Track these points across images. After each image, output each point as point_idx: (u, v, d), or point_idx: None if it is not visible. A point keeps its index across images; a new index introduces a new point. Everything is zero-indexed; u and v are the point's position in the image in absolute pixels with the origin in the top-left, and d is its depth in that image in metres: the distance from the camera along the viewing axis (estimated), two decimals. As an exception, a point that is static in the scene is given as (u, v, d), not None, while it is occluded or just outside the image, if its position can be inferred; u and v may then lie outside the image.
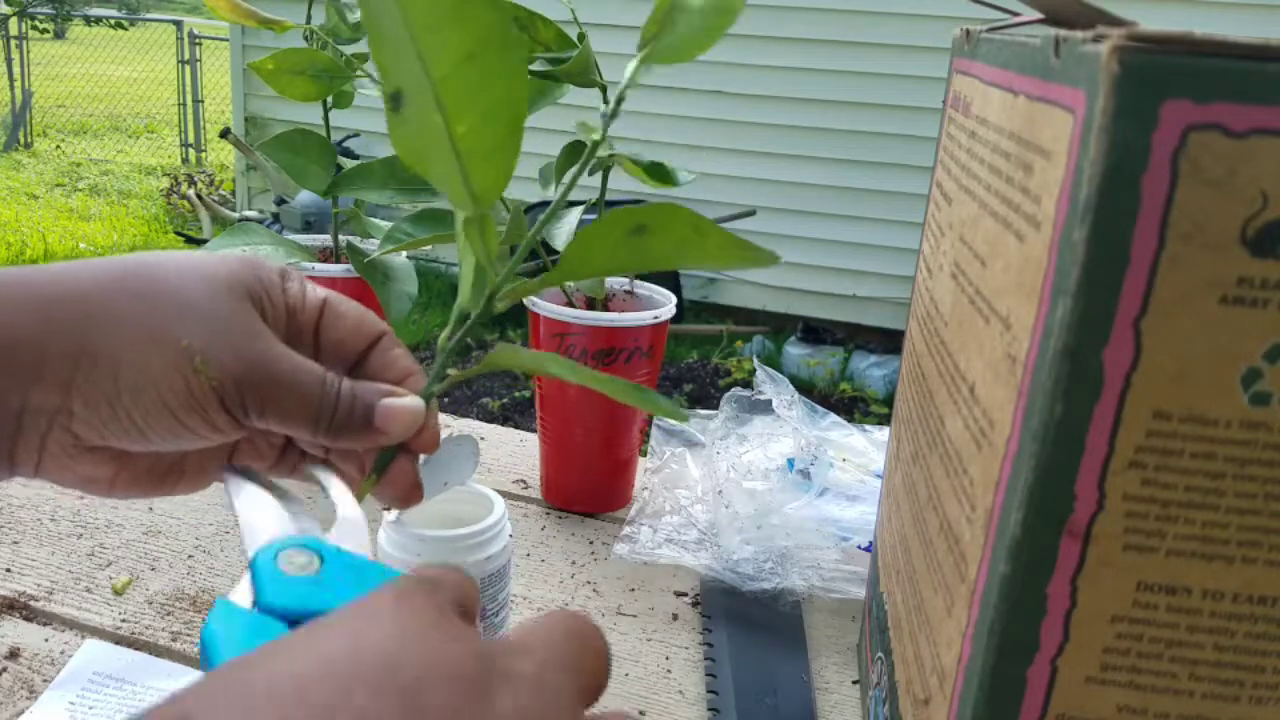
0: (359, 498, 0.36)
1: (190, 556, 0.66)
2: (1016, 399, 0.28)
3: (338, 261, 0.75)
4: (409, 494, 0.38)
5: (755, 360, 0.82)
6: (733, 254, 0.30)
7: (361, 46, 0.68)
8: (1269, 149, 0.22)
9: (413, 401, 0.36)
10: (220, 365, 0.33)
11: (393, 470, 0.37)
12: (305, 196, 3.18)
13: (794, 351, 3.35)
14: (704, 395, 3.00)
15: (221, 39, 6.04)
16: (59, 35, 13.94)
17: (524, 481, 0.79)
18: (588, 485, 0.75)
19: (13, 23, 7.21)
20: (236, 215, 4.42)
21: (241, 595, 0.28)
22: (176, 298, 0.33)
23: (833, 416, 0.78)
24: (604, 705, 0.57)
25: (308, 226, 3.31)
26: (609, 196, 0.73)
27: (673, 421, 0.82)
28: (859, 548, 0.66)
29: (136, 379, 0.32)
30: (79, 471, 0.35)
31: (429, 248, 0.65)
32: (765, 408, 0.76)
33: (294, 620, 0.26)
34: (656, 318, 0.69)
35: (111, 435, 0.33)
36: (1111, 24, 0.24)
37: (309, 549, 0.29)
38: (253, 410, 0.34)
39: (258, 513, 0.32)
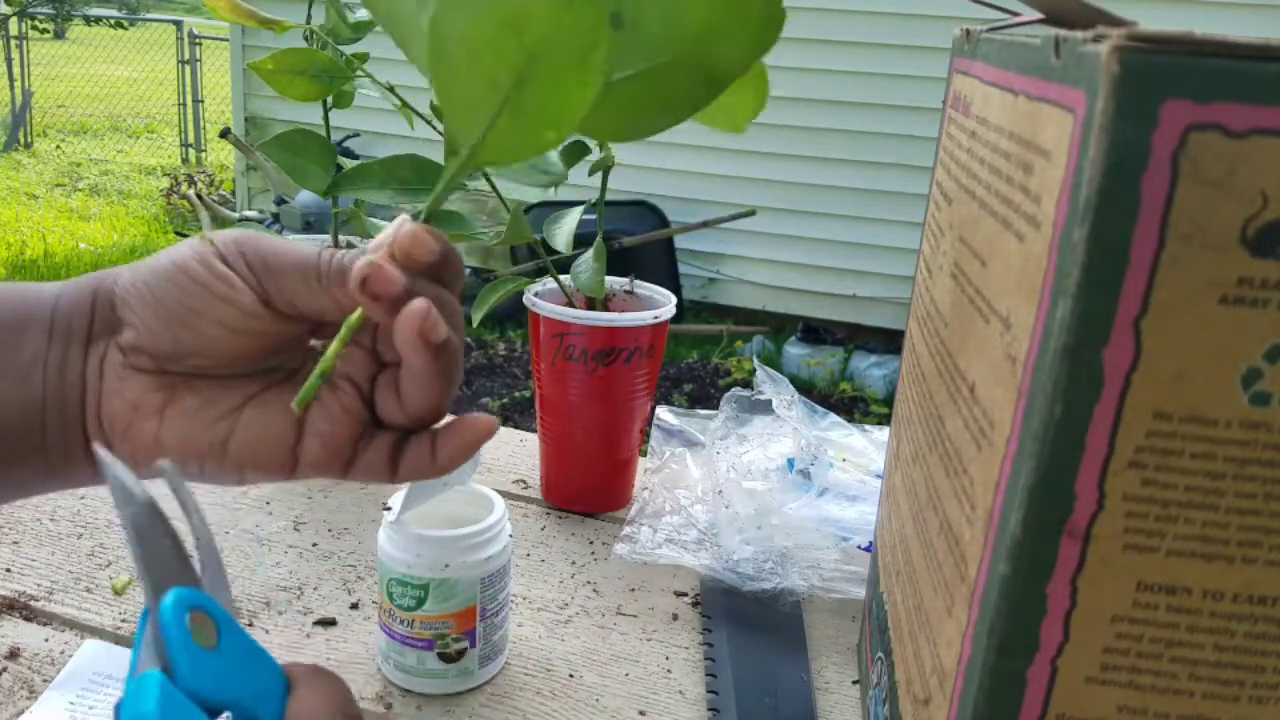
0: (351, 324, 0.35)
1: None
2: (1016, 399, 0.28)
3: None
4: (425, 323, 0.33)
5: (755, 360, 0.82)
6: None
7: (361, 46, 0.68)
8: (1269, 149, 0.22)
9: (394, 225, 0.36)
10: (223, 241, 0.36)
11: (407, 309, 0.33)
12: (305, 196, 3.18)
13: (794, 351, 3.35)
14: (704, 395, 3.00)
15: (221, 39, 6.04)
16: (59, 35, 13.94)
17: (524, 481, 0.79)
18: (588, 485, 0.75)
19: (13, 23, 7.21)
20: (236, 215, 4.42)
21: (150, 654, 0.27)
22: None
23: (833, 416, 0.78)
24: (605, 705, 0.57)
25: (308, 226, 3.31)
26: (609, 197, 0.73)
27: (672, 420, 0.82)
28: (859, 548, 0.66)
29: (156, 264, 0.36)
30: (128, 396, 0.36)
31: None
32: (765, 408, 0.76)
33: (206, 707, 0.27)
34: (656, 318, 0.69)
35: (140, 318, 0.35)
36: (1111, 24, 0.24)
37: (209, 613, 0.28)
38: (253, 261, 0.35)
39: (164, 547, 0.30)
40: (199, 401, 0.37)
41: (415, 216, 0.35)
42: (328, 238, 0.78)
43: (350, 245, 0.75)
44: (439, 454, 0.37)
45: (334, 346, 0.35)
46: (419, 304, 0.33)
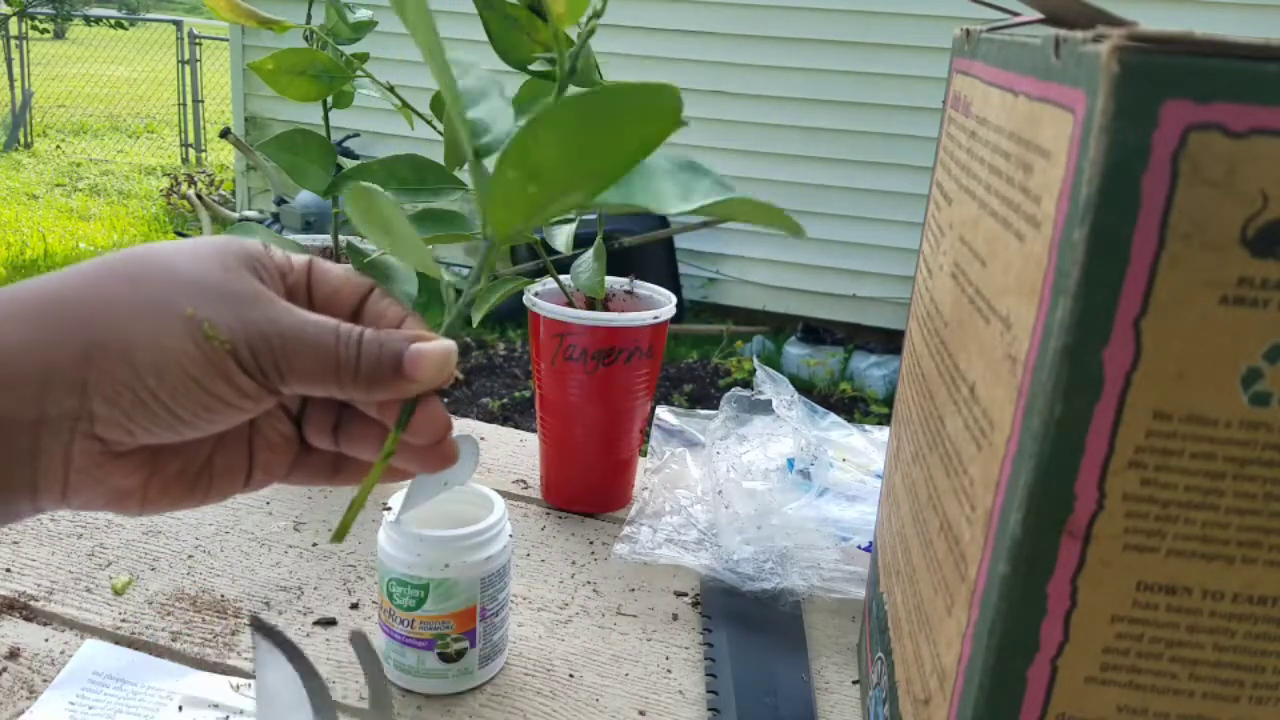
0: (386, 454, 0.35)
1: (190, 556, 0.66)
2: (1016, 399, 0.28)
3: (338, 261, 0.75)
4: (442, 433, 0.36)
5: (755, 360, 0.82)
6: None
7: (361, 46, 0.68)
8: (1269, 149, 0.22)
9: (442, 344, 0.35)
10: (228, 329, 0.32)
11: (422, 414, 0.35)
12: (305, 196, 3.18)
13: (794, 351, 3.35)
14: (704, 395, 3.00)
15: (221, 39, 6.04)
16: (59, 35, 13.94)
17: (524, 481, 0.79)
18: (588, 485, 0.75)
19: (13, 23, 7.21)
20: (236, 215, 4.42)
21: None
22: (172, 275, 0.33)
23: (833, 416, 0.78)
24: (605, 705, 0.57)
25: (308, 226, 3.31)
26: (609, 196, 0.73)
27: (672, 420, 0.82)
28: (859, 548, 0.66)
29: (154, 357, 0.31)
30: (110, 484, 0.33)
31: (429, 248, 0.65)
32: (765, 408, 0.76)
33: None
34: (656, 318, 0.69)
35: (139, 424, 0.32)
36: (1111, 24, 0.24)
37: None
38: (269, 370, 0.33)
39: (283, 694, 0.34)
40: (180, 465, 0.35)
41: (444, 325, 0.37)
42: (327, 238, 0.78)
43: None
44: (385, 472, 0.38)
45: (371, 477, 0.36)
46: (453, 447, 0.37)
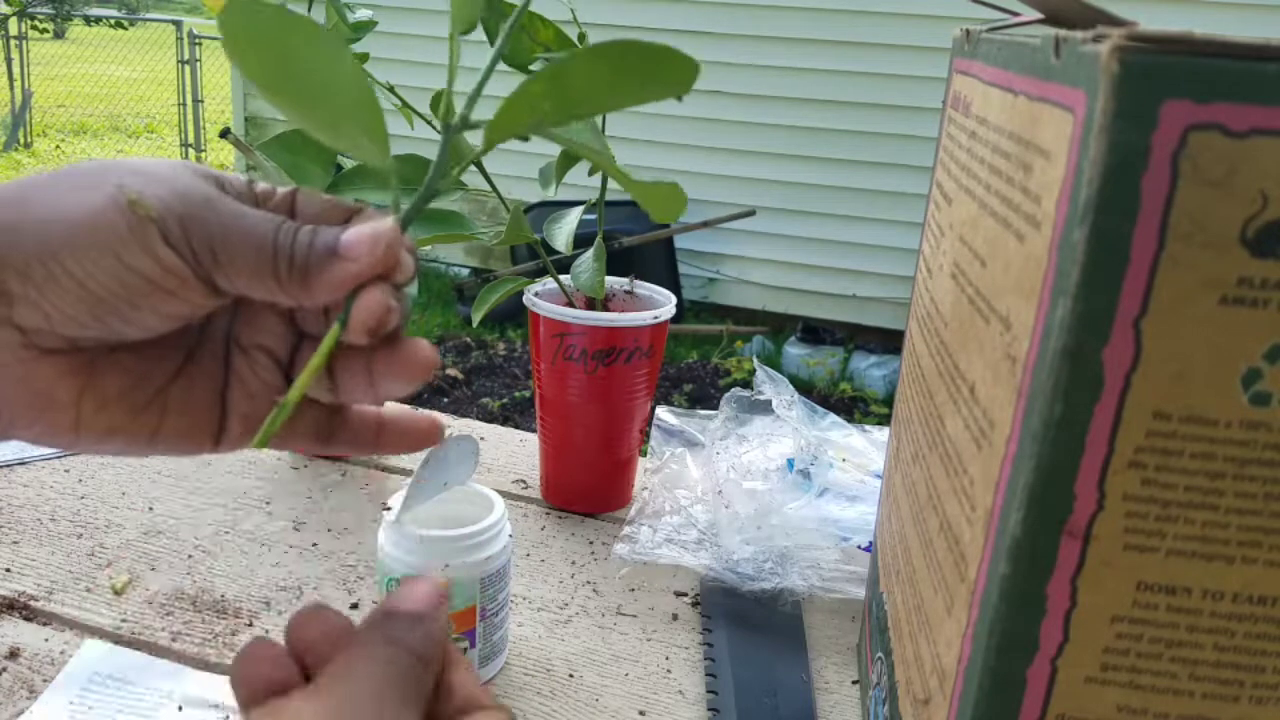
0: (326, 348, 0.31)
1: (190, 556, 0.66)
2: (1016, 399, 0.28)
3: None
4: (380, 319, 0.31)
5: (755, 360, 0.82)
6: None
7: (361, 46, 0.68)
8: (1269, 149, 0.22)
9: (372, 225, 0.31)
10: (159, 199, 0.29)
11: (361, 302, 0.31)
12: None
13: (794, 351, 3.35)
14: (704, 395, 3.00)
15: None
16: (59, 35, 13.94)
17: (524, 481, 0.79)
18: (588, 485, 0.75)
19: (13, 23, 7.21)
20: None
21: None
22: (118, 162, 0.30)
23: (833, 416, 0.78)
24: (605, 705, 0.57)
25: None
26: (609, 197, 0.73)
27: (672, 420, 0.82)
28: (859, 548, 0.66)
29: (71, 228, 0.28)
30: (34, 386, 0.30)
31: (429, 248, 0.65)
32: (765, 408, 0.76)
33: None
34: (656, 318, 0.69)
35: (52, 302, 0.29)
36: (1111, 24, 0.24)
37: None
38: (201, 250, 0.29)
39: None
40: (122, 382, 0.32)
41: (402, 217, 0.32)
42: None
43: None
44: (383, 441, 0.36)
45: (303, 379, 0.31)
46: (428, 352, 0.32)
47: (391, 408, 0.37)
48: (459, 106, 0.33)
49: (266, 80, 0.29)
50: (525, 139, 0.31)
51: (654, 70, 0.28)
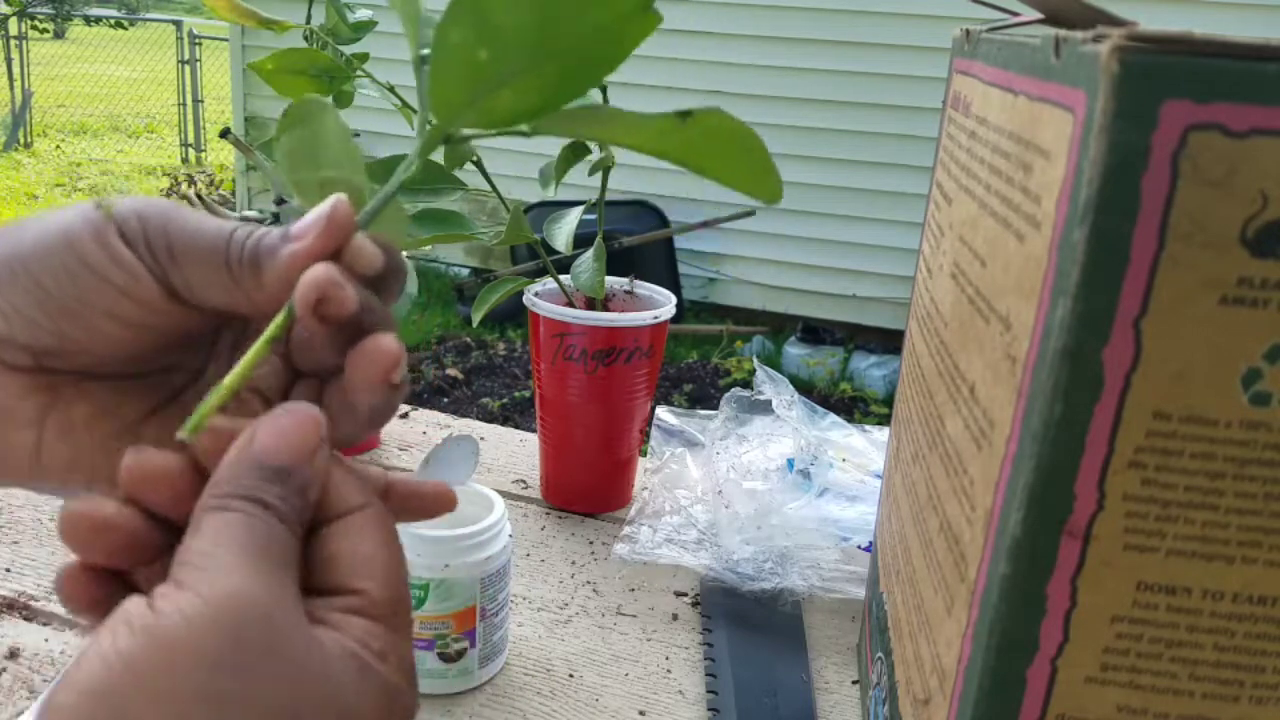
0: (269, 337, 0.28)
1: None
2: (1016, 399, 0.28)
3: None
4: (327, 294, 0.27)
5: (755, 360, 0.82)
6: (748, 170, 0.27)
7: (361, 46, 0.68)
8: (1269, 149, 0.22)
9: (329, 203, 0.29)
10: (126, 205, 0.29)
11: (306, 275, 0.28)
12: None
13: (794, 351, 3.35)
14: (704, 395, 3.00)
15: (221, 39, 6.03)
16: (59, 35, 13.94)
17: (524, 481, 0.79)
18: (588, 485, 0.75)
19: (13, 23, 7.21)
20: (236, 215, 4.42)
21: None
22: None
23: (832, 416, 0.78)
24: (605, 705, 0.57)
25: (308, 226, 3.30)
26: (609, 197, 0.73)
27: (672, 420, 0.82)
28: (859, 548, 0.66)
29: (40, 234, 0.28)
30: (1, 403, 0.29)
31: (429, 248, 0.65)
32: (765, 408, 0.76)
33: None
34: (656, 318, 0.69)
35: (9, 300, 0.28)
36: (1111, 24, 0.24)
37: None
38: (156, 243, 0.28)
39: None
40: (90, 410, 0.30)
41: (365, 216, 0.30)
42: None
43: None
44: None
45: (240, 369, 0.28)
46: (390, 344, 0.28)
47: (399, 475, 0.34)
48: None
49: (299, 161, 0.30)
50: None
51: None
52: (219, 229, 0.29)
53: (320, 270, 0.27)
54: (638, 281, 0.75)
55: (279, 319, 0.28)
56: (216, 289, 0.29)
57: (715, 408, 0.79)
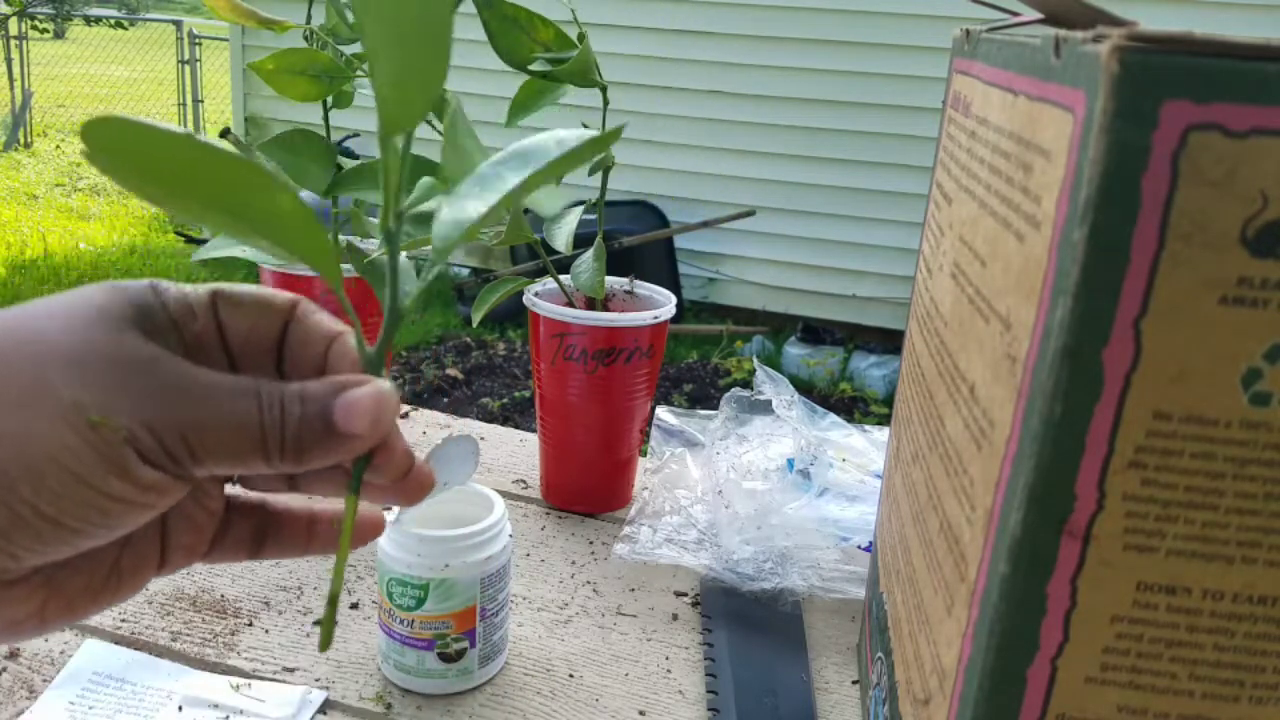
0: (347, 528, 0.30)
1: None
2: (1016, 399, 0.28)
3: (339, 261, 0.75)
4: (405, 468, 0.30)
5: (755, 360, 0.82)
6: None
7: (362, 46, 0.68)
8: (1269, 149, 0.22)
9: (374, 387, 0.29)
10: (123, 412, 0.26)
11: (383, 466, 0.30)
12: (305, 196, 3.17)
13: (794, 351, 3.35)
14: (704, 395, 3.00)
15: (221, 39, 6.04)
16: (59, 35, 13.95)
17: (524, 481, 0.79)
18: (588, 485, 0.75)
19: (13, 23, 7.21)
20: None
21: None
22: (42, 348, 0.26)
23: (832, 416, 0.78)
24: (605, 705, 0.57)
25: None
26: (609, 197, 0.73)
27: (672, 420, 0.82)
28: (859, 548, 0.66)
29: (27, 460, 0.25)
30: (2, 615, 0.27)
31: (429, 247, 0.65)
32: (765, 408, 0.76)
33: None
34: (656, 318, 0.69)
35: (23, 545, 0.26)
36: (1111, 24, 0.24)
37: None
38: (182, 455, 0.27)
39: None
40: (83, 582, 0.29)
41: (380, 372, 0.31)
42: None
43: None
44: (315, 541, 0.34)
45: (338, 569, 0.30)
46: (426, 475, 0.31)
47: (321, 503, 0.34)
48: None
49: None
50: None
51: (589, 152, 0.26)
52: (242, 411, 0.27)
53: (402, 457, 0.30)
54: (638, 281, 0.75)
55: (350, 512, 0.30)
56: (243, 469, 0.28)
57: (715, 408, 0.79)
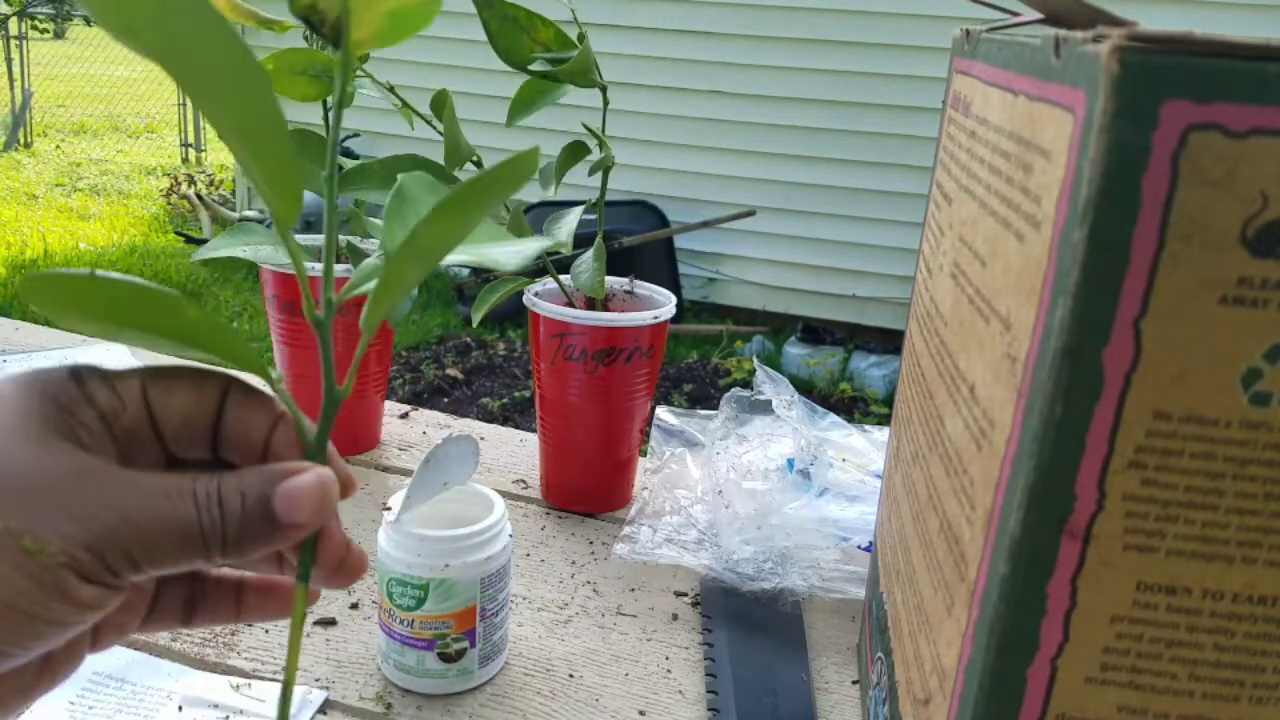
0: (297, 619, 0.30)
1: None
2: (1016, 399, 0.28)
3: (338, 261, 0.75)
4: (342, 556, 0.30)
5: (755, 360, 0.82)
6: None
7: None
8: (1269, 149, 0.22)
9: (313, 475, 0.28)
10: (58, 534, 0.25)
11: (321, 553, 0.30)
12: (305, 196, 3.17)
13: (794, 351, 3.35)
14: (704, 395, 3.00)
15: (221, 39, 6.02)
16: (59, 35, 13.95)
17: (524, 481, 0.79)
18: (588, 485, 0.75)
19: (13, 23, 7.21)
20: (236, 215, 4.41)
21: None
22: None
23: (832, 416, 0.78)
24: (605, 705, 0.57)
25: (308, 226, 3.31)
26: (609, 197, 0.73)
27: (672, 420, 0.82)
28: (859, 548, 0.66)
29: None
30: None
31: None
32: (765, 408, 0.76)
33: None
34: (656, 318, 0.69)
35: None
36: (1111, 24, 0.24)
37: None
38: (121, 567, 0.26)
39: None
40: (14, 682, 0.28)
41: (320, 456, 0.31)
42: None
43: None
44: (244, 609, 0.34)
45: (291, 658, 0.30)
46: (359, 558, 0.31)
47: (249, 572, 0.34)
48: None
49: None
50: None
51: (498, 185, 0.26)
52: (181, 516, 0.26)
53: (338, 546, 0.30)
54: (638, 281, 0.75)
55: (300, 600, 0.30)
56: (186, 568, 0.28)
57: (715, 408, 0.79)
